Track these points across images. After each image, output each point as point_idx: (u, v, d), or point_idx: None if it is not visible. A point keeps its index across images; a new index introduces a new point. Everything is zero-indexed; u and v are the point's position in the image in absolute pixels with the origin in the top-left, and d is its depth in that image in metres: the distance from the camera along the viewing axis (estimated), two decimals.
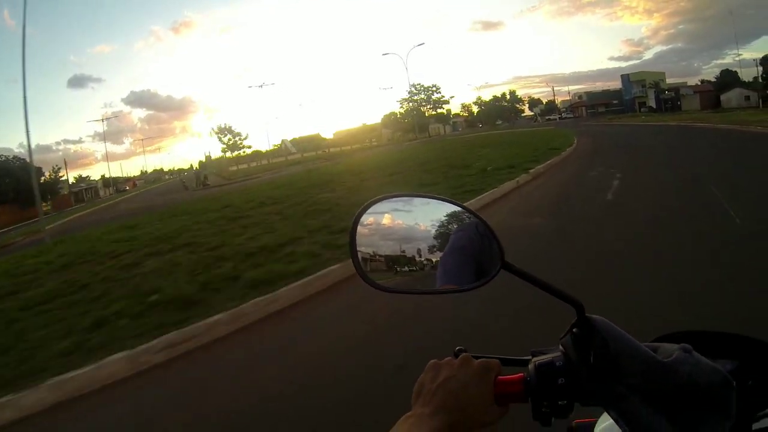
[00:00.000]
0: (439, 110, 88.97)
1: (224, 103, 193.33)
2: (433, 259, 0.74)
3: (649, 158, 16.62)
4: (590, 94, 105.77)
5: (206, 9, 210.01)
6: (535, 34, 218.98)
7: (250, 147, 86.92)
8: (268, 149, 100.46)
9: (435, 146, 39.88)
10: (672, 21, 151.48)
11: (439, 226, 0.74)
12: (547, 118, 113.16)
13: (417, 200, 0.77)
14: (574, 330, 0.70)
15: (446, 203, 0.76)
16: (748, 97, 75.13)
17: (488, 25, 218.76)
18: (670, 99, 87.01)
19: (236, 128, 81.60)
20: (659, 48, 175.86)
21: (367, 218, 0.76)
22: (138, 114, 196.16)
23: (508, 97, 73.47)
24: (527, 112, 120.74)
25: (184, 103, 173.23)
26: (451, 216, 0.75)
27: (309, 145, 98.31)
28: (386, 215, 0.77)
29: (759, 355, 0.68)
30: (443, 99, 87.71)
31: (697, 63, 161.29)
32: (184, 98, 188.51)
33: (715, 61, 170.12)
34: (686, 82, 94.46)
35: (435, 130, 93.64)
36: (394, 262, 0.75)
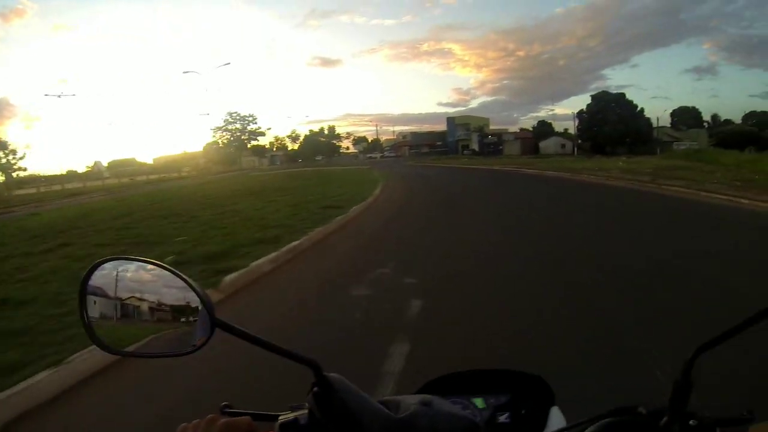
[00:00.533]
0: (254, 141, 78.80)
1: (45, 113, 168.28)
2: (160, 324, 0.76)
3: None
4: (415, 135, 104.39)
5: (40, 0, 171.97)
6: (371, 74, 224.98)
7: (24, 169, 64.62)
8: (81, 171, 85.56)
9: (221, 185, 31.48)
10: (498, 76, 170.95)
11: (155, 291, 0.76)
12: (368, 156, 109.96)
13: (142, 264, 0.78)
14: (314, 389, 0.69)
15: (163, 269, 0.75)
16: (563, 145, 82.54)
17: (327, 62, 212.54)
18: (492, 143, 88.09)
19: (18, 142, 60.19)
20: (484, 98, 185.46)
21: (98, 279, 0.76)
22: None
23: (326, 131, 65.92)
24: (352, 149, 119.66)
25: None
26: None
27: (125, 170, 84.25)
28: (121, 275, 0.78)
29: (528, 386, 0.75)
30: (259, 130, 77.72)
31: (516, 114, 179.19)
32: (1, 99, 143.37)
33: (531, 114, 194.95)
34: (507, 129, 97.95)
35: (249, 163, 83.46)
36: (128, 321, 0.76)
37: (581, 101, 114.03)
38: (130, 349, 0.75)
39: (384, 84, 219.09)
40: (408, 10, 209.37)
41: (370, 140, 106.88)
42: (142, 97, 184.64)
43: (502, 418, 0.73)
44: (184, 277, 0.72)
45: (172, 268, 0.73)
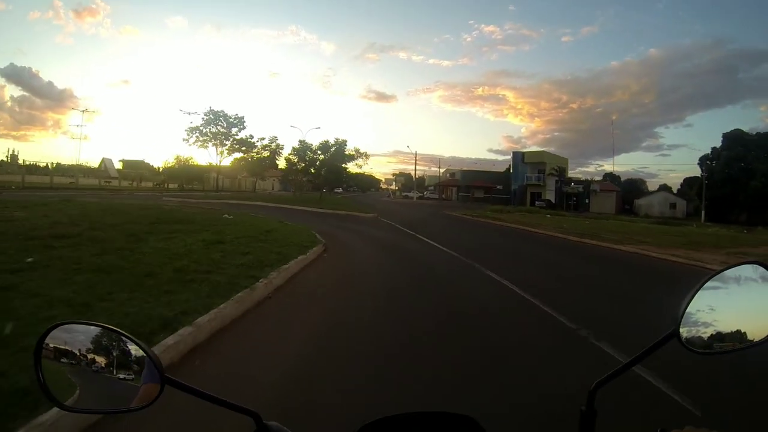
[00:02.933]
0: (247, 153, 56.74)
1: (105, 106, 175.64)
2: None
3: None
4: (467, 173, 79.38)
5: (115, 2, 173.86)
6: (424, 114, 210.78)
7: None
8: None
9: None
10: (549, 127, 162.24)
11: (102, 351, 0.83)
12: (405, 194, 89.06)
13: (94, 327, 0.84)
14: None
15: (112, 332, 0.83)
16: (673, 205, 62.47)
17: (381, 97, 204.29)
18: (574, 194, 63.46)
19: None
20: (534, 149, 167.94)
21: (53, 340, 0.83)
22: (12, 91, 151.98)
23: (331, 143, 42.17)
24: (390, 185, 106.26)
25: (64, 95, 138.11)
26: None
27: (132, 172, 73.86)
28: (73, 337, 0.84)
29: (461, 427, 0.77)
30: (248, 140, 55.45)
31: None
32: (65, 90, 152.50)
33: (579, 168, 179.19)
34: (592, 178, 74.12)
35: (263, 186, 63.35)
36: (81, 379, 0.82)
37: (631, 158, 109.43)
38: (84, 405, 0.81)
39: (435, 125, 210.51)
40: (465, 52, 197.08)
41: (414, 178, 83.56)
42: (184, 106, 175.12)
43: None
44: (132, 338, 0.80)
45: (122, 331, 0.80)
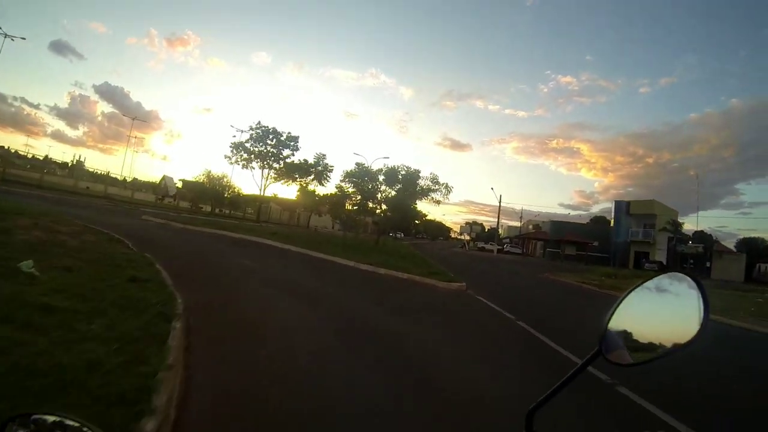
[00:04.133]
0: (299, 180, 47.93)
1: (186, 130, 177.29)
2: None
3: None
4: (556, 225, 66.30)
5: (206, 34, 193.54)
6: (497, 164, 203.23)
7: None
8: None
9: None
10: (623, 182, 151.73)
11: None
12: (480, 245, 77.64)
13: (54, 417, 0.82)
14: None
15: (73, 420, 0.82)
16: None
17: (456, 145, 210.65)
18: (694, 255, 50.24)
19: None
20: (606, 205, 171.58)
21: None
22: (103, 107, 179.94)
23: (401, 171, 31.85)
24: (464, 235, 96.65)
25: (150, 116, 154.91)
26: None
27: (190, 193, 59.12)
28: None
29: None
30: (302, 164, 46.76)
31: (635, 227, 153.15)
32: (151, 111, 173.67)
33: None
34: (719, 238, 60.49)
35: (322, 222, 55.77)
36: None
37: (709, 216, 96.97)
38: None
39: (508, 176, 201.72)
40: (541, 103, 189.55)
41: (486, 228, 72.19)
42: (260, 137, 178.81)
43: None
44: (90, 425, 0.79)
45: (80, 419, 0.78)
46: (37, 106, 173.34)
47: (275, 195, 53.49)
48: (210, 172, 52.26)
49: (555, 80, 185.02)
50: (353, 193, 32.86)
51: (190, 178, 56.66)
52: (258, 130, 46.31)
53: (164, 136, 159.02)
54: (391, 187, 31.34)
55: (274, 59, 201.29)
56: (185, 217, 31.70)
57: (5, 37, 38.32)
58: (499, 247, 65.65)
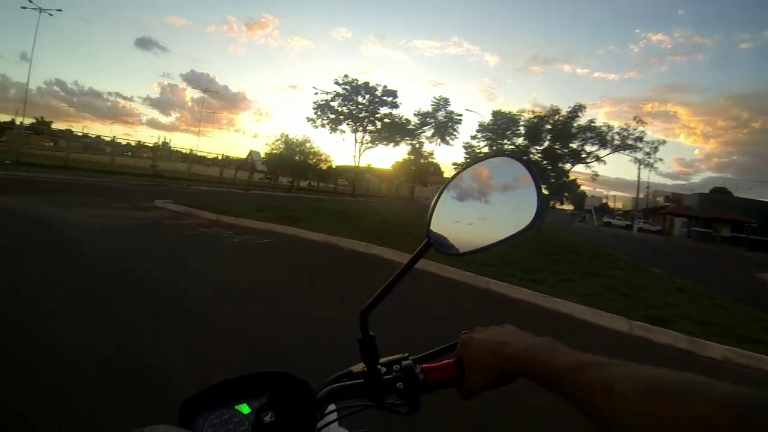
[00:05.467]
0: (401, 143, 40.98)
1: (274, 109, 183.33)
2: None
3: None
4: (703, 197, 54.44)
5: (284, 16, 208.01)
6: None
7: None
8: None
9: None
10: (726, 149, 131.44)
11: None
12: (605, 220, 67.61)
13: None
14: None
15: None
16: None
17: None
18: None
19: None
20: (708, 174, 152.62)
21: None
22: (192, 93, 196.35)
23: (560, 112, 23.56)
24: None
25: (237, 97, 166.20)
26: None
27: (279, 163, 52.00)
28: None
29: (280, 383, 0.75)
30: (407, 122, 39.42)
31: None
32: (238, 93, 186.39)
33: (763, 199, 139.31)
34: None
35: (428, 193, 46.66)
36: None
37: None
38: None
39: None
40: (632, 64, 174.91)
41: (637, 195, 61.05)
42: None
43: (267, 417, 0.72)
44: None
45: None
46: (130, 99, 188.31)
47: (369, 165, 46.58)
48: (287, 135, 40.57)
49: (646, 39, 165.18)
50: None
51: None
52: (346, 86, 39.52)
53: (253, 116, 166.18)
54: (534, 145, 23.13)
55: (355, 34, 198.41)
56: (239, 198, 24.14)
57: (41, 11, 38.12)
58: (628, 223, 55.79)
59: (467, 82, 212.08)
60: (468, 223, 0.82)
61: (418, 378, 0.76)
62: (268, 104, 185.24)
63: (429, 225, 0.80)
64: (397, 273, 0.77)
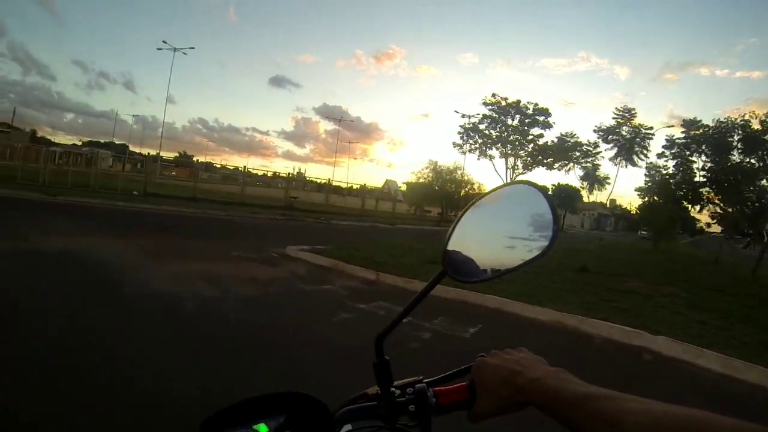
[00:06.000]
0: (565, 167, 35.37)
1: (407, 137, 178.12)
2: None
3: None
4: None
5: (411, 46, 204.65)
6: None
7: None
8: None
9: None
10: None
11: None
12: None
13: None
14: None
15: None
16: None
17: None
18: None
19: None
20: None
21: None
22: (325, 125, 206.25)
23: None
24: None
25: (370, 128, 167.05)
26: None
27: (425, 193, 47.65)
28: None
29: (299, 404, 0.73)
30: (569, 140, 33.37)
31: None
32: (371, 123, 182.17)
33: None
34: None
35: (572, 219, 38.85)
36: None
37: None
38: None
39: None
40: None
41: None
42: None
43: None
44: None
45: None
46: (266, 133, 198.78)
47: None
48: (436, 164, 36.30)
49: None
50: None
51: (411, 179, 43.79)
52: (493, 107, 34.79)
53: (387, 145, 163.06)
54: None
55: (481, 58, 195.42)
56: (390, 236, 19.45)
57: (175, 50, 42.01)
58: None
59: (598, 97, 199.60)
60: (487, 249, 0.80)
61: (430, 401, 0.76)
62: (400, 133, 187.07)
63: (445, 254, 0.78)
64: (412, 300, 0.77)
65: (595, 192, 41.16)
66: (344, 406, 0.77)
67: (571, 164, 35.73)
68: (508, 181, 34.46)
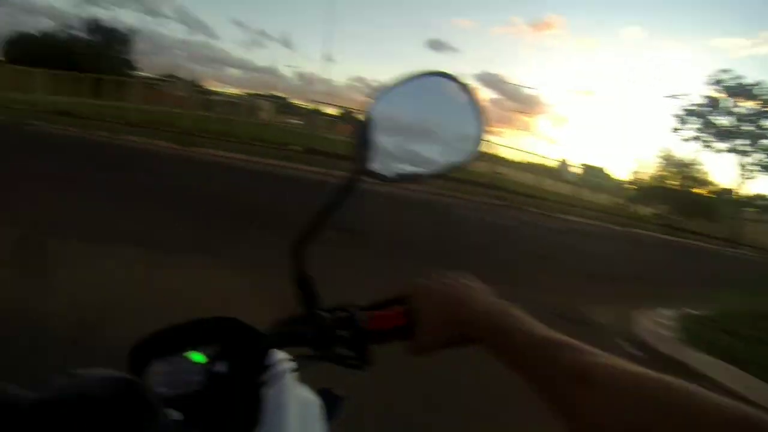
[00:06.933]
0: None
1: (568, 113, 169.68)
2: None
3: None
4: None
5: (570, 15, 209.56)
6: None
7: None
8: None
9: None
10: None
11: None
12: None
13: None
14: None
15: None
16: None
17: None
18: None
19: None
20: None
21: None
22: (485, 94, 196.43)
23: None
24: None
25: (530, 99, 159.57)
26: None
27: (591, 179, 37.29)
28: None
29: (230, 331, 0.68)
30: None
31: None
32: (530, 96, 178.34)
33: None
34: None
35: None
36: None
37: None
38: None
39: None
40: None
41: None
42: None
43: (220, 367, 0.66)
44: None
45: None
46: None
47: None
48: (670, 153, 29.43)
49: None
50: None
51: (591, 163, 35.51)
52: (721, 87, 27.27)
53: (548, 119, 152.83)
54: None
55: (649, 33, 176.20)
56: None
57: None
58: None
59: None
60: (403, 147, 0.75)
61: (360, 325, 0.68)
62: (560, 108, 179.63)
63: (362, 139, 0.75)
64: (326, 205, 0.68)
65: None
66: (272, 331, 0.69)
67: None
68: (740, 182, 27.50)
